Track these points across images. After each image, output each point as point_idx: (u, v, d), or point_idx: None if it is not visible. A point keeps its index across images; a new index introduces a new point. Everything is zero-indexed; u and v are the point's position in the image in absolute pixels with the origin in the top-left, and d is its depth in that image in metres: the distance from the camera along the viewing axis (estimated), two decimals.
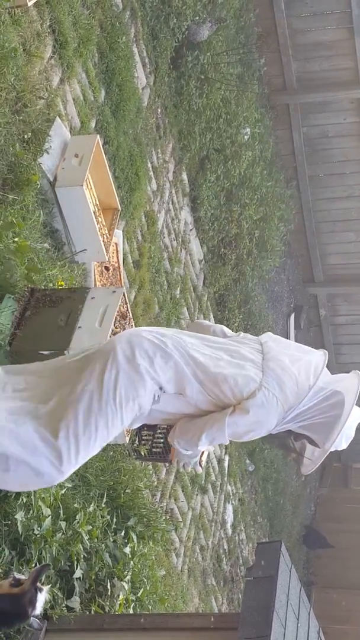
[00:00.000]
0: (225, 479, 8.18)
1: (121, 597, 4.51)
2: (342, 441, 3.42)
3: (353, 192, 10.50)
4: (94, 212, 4.99)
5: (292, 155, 10.26)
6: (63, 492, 4.39)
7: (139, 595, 4.77)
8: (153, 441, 5.66)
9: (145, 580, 4.89)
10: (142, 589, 4.83)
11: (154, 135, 6.77)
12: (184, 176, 7.51)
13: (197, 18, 7.11)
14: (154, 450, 5.65)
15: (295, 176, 10.36)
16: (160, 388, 3.23)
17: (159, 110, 6.89)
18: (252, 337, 3.52)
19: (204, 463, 3.72)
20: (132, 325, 4.72)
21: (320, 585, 11.14)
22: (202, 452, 3.76)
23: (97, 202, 5.14)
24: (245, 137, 8.56)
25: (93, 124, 5.59)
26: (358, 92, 9.76)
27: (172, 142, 7.20)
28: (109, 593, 4.46)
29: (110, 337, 4.34)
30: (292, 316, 10.92)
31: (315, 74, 9.78)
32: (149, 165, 6.66)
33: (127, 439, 4.62)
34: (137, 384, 3.18)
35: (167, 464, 6.53)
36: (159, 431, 5.64)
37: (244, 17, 8.77)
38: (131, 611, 4.62)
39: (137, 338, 3.26)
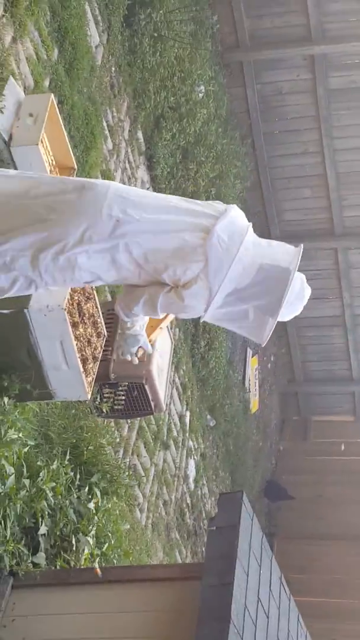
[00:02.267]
0: (187, 434, 8.29)
1: (86, 551, 4.58)
2: (289, 314, 3.45)
3: (307, 149, 10.52)
4: (50, 171, 4.98)
5: (247, 112, 10.26)
6: (26, 450, 4.43)
7: (103, 549, 4.84)
8: (114, 399, 5.74)
9: (110, 534, 4.96)
10: (107, 544, 4.90)
11: (109, 94, 6.74)
12: (140, 135, 7.50)
13: None
14: (115, 407, 5.72)
15: (250, 133, 10.36)
16: None
17: (113, 68, 6.86)
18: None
19: (149, 349, 3.70)
20: (89, 296, 4.74)
21: (281, 536, 11.36)
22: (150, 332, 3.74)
23: (53, 162, 5.13)
24: (200, 94, 8.54)
25: (47, 83, 5.56)
26: (311, 49, 9.76)
27: (127, 101, 7.18)
28: (74, 548, 4.53)
29: (68, 295, 4.37)
30: None
31: (267, 30, 9.76)
32: (104, 124, 6.64)
33: (89, 395, 4.66)
34: None
35: (129, 421, 6.62)
36: (120, 389, 5.71)
37: None
38: (96, 565, 4.70)
39: None
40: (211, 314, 3.36)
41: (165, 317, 3.73)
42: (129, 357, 3.71)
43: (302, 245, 3.43)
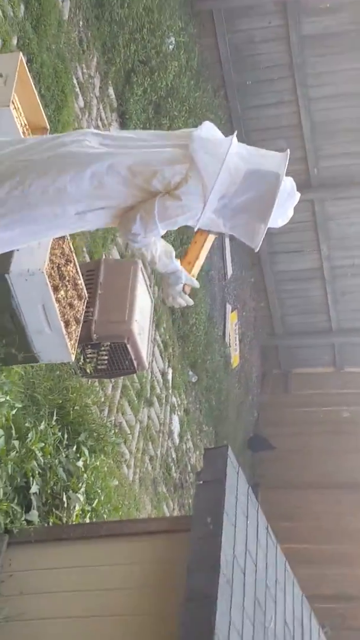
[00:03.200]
0: (170, 391, 8.36)
1: (77, 508, 4.69)
2: (279, 218, 3.51)
3: (282, 98, 10.35)
4: (22, 133, 4.93)
5: (219, 63, 10.10)
6: (14, 412, 4.49)
7: (93, 505, 4.94)
8: (97, 359, 5.77)
9: (99, 491, 5.06)
10: (97, 500, 5.00)
11: (78, 50, 6.66)
12: (111, 91, 7.43)
13: None
14: (98, 367, 5.76)
15: (223, 85, 10.22)
16: None
17: (81, 23, 6.76)
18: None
19: (193, 281, 3.60)
20: (70, 246, 4.74)
21: (265, 486, 11.51)
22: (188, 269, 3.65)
23: (26, 123, 5.07)
24: (170, 47, 8.44)
25: (15, 42, 5.48)
26: None
27: (97, 56, 7.09)
28: (65, 505, 4.63)
29: (48, 259, 4.37)
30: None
31: None
32: (75, 81, 6.57)
33: (73, 357, 4.69)
34: None
35: (112, 380, 6.66)
36: (102, 349, 5.74)
37: None
38: (87, 521, 4.79)
39: None
40: (207, 217, 3.41)
41: (206, 238, 3.69)
42: (182, 302, 3.65)
43: (288, 150, 3.49)
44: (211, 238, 3.76)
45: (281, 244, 11.65)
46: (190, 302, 3.68)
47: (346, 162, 10.84)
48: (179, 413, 8.54)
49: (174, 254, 3.59)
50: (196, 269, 3.69)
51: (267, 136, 10.67)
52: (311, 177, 10.86)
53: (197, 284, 3.66)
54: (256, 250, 3.56)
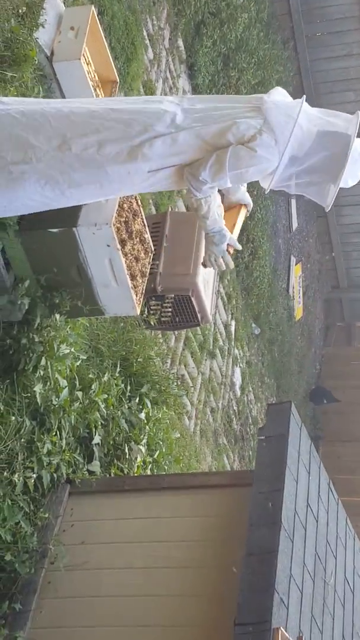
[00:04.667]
0: (232, 343, 8.40)
1: (139, 459, 4.76)
2: (349, 178, 3.52)
3: (351, 51, 10.28)
4: (92, 87, 4.96)
5: (289, 14, 10.02)
6: (78, 364, 4.56)
7: (155, 457, 5.02)
8: (162, 311, 5.82)
9: (161, 442, 5.13)
10: (158, 451, 5.08)
11: (148, 2, 6.62)
12: (180, 43, 7.38)
13: None
14: (162, 319, 5.81)
15: (292, 37, 10.14)
16: None
17: None
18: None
19: (235, 243, 3.63)
20: (137, 201, 4.78)
21: (327, 439, 11.55)
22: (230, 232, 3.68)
23: (96, 76, 5.10)
24: None
25: None
26: None
27: (167, 8, 7.05)
28: (127, 457, 4.71)
29: (116, 213, 4.42)
30: None
31: None
32: (145, 33, 6.56)
33: (138, 310, 4.75)
34: None
35: (175, 332, 6.72)
36: (166, 301, 5.79)
37: None
38: (149, 472, 4.88)
39: None
40: (279, 176, 3.44)
41: (239, 211, 3.76)
42: (222, 264, 3.66)
43: (359, 112, 3.47)
44: (244, 211, 3.84)
45: (347, 196, 11.45)
46: (232, 264, 3.70)
47: None
48: (241, 365, 8.59)
49: (223, 214, 3.61)
50: (235, 232, 3.72)
51: (335, 88, 10.55)
52: None
53: (239, 247, 3.69)
54: (327, 209, 3.58)
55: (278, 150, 3.39)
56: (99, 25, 5.05)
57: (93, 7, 4.98)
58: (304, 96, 3.50)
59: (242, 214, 3.83)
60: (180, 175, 3.51)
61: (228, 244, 3.62)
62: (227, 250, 3.64)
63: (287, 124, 3.38)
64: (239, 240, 3.77)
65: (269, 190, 3.58)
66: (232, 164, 3.40)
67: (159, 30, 6.88)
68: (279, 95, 3.53)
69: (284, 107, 3.43)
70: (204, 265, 3.74)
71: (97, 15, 5.09)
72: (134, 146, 3.42)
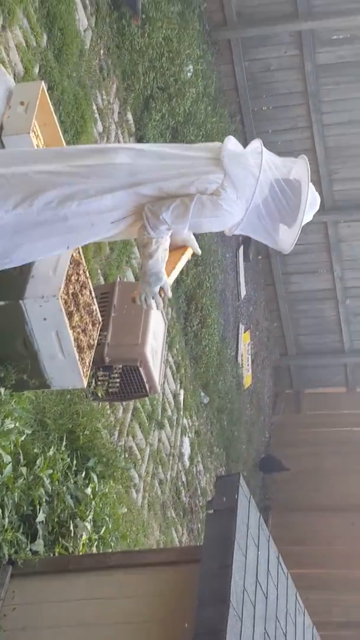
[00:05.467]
0: (181, 412, 8.37)
1: (84, 537, 4.64)
2: (306, 219, 3.66)
3: (296, 124, 10.52)
4: None
5: (235, 90, 10.25)
6: (23, 438, 4.48)
7: (101, 533, 4.90)
8: (109, 381, 5.79)
9: (107, 518, 5.03)
10: (104, 527, 4.96)
11: (98, 77, 6.73)
12: (129, 116, 7.50)
13: None
14: (110, 390, 5.77)
15: (239, 110, 10.36)
16: None
17: (102, 51, 6.84)
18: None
19: (169, 292, 3.73)
20: (85, 272, 4.78)
21: (277, 509, 11.49)
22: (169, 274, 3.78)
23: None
24: (188, 74, 8.52)
25: (37, 70, 5.56)
26: (298, 25, 9.72)
27: (116, 83, 7.17)
28: (72, 534, 4.58)
29: (63, 285, 4.41)
30: (241, 249, 11.04)
31: (254, 8, 9.72)
32: (94, 107, 6.64)
33: (85, 383, 4.72)
34: None
35: (123, 403, 6.68)
36: (114, 371, 5.76)
37: None
38: (94, 550, 4.77)
39: None
40: (244, 224, 3.58)
41: (183, 253, 3.86)
42: (152, 304, 3.73)
43: (304, 155, 3.68)
44: (188, 254, 3.91)
45: (295, 264, 11.73)
46: (161, 305, 3.77)
47: (358, 185, 11.00)
48: (190, 435, 8.55)
49: (167, 258, 3.69)
50: (172, 277, 3.80)
51: None
52: (324, 199, 10.93)
53: (170, 294, 3.76)
54: (286, 252, 3.73)
55: (241, 205, 3.52)
56: (49, 100, 5.11)
57: (43, 83, 5.05)
58: (263, 149, 3.60)
59: (185, 257, 3.89)
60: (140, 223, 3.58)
61: (161, 287, 3.68)
62: (158, 292, 3.70)
63: (246, 178, 3.50)
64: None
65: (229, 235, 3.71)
66: (195, 212, 3.50)
67: (108, 104, 6.98)
68: (232, 144, 3.62)
69: (243, 159, 3.54)
70: (133, 301, 3.79)
71: (47, 90, 5.16)
72: (95, 199, 3.50)
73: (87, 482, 4.98)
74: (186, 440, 8.41)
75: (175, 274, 3.85)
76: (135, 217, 3.59)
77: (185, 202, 3.49)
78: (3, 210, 3.51)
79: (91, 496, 4.89)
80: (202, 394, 9.32)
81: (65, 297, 4.48)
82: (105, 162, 3.57)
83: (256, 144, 3.63)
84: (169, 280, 3.74)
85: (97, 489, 5.03)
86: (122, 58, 7.18)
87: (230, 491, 4.12)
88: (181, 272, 8.47)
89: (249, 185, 3.49)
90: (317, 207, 3.70)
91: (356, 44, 9.89)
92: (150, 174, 3.53)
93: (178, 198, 3.51)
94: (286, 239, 3.66)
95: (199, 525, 8.08)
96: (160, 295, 3.71)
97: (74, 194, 3.51)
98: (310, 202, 3.62)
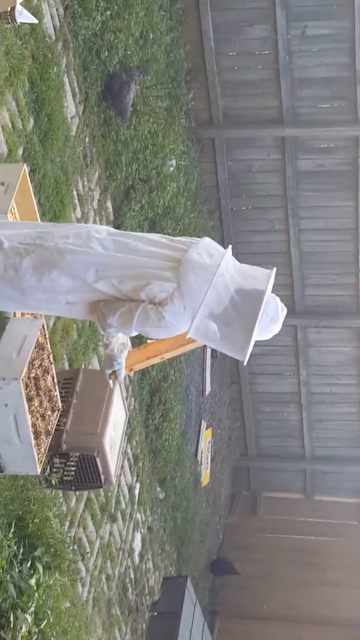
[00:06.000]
0: (135, 507, 8.20)
1: (24, 629, 4.46)
2: (264, 332, 3.64)
3: (273, 226, 10.66)
4: None
5: (216, 187, 10.40)
6: None
7: (42, 627, 4.71)
8: (65, 469, 5.67)
9: (49, 612, 4.84)
10: (46, 621, 4.77)
11: (81, 164, 6.80)
12: (109, 204, 7.56)
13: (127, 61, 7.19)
14: (65, 478, 5.65)
15: (218, 208, 10.50)
16: None
17: (87, 139, 6.93)
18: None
19: (120, 379, 4.00)
20: (50, 357, 4.73)
21: (225, 614, 11.19)
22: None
23: None
24: (171, 168, 8.65)
25: (20, 152, 5.60)
26: (281, 131, 9.96)
27: (99, 171, 7.24)
28: (12, 625, 4.42)
29: (26, 368, 4.35)
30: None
31: (241, 110, 9.97)
32: (75, 192, 6.69)
33: (39, 470, 4.62)
34: None
35: (77, 492, 6.53)
36: (71, 459, 5.65)
37: (174, 52, 8.89)
38: None
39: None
40: (192, 333, 3.60)
41: (156, 352, 4.05)
42: (110, 382, 4.03)
43: (274, 268, 3.70)
44: (193, 345, 4.02)
45: (261, 365, 11.70)
46: (109, 384, 4.06)
47: (331, 292, 11.10)
48: (142, 531, 8.36)
49: (128, 350, 3.89)
50: (139, 366, 4.15)
51: (256, 260, 10.82)
52: (296, 304, 11.03)
53: (121, 379, 4.02)
54: (244, 363, 3.68)
55: (187, 317, 3.54)
56: (29, 183, 5.14)
57: (25, 166, 5.07)
58: (230, 246, 3.66)
59: (157, 359, 4.06)
60: (94, 308, 3.66)
61: (114, 371, 3.91)
62: (112, 375, 3.94)
63: (199, 292, 3.50)
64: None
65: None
66: (139, 321, 3.57)
67: (89, 191, 7.04)
68: (205, 248, 3.63)
69: (201, 271, 3.53)
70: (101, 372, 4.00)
71: (29, 173, 5.18)
72: (53, 278, 3.59)
73: (32, 572, 4.81)
74: (138, 536, 8.21)
75: (142, 365, 4.12)
76: (89, 304, 3.70)
77: (131, 310, 3.57)
78: None
79: (35, 587, 4.72)
80: (158, 489, 9.16)
81: (27, 381, 4.42)
82: (69, 247, 3.65)
83: (227, 252, 3.65)
84: (135, 366, 4.07)
85: (41, 580, 4.86)
86: (106, 147, 7.27)
87: (176, 594, 4.01)
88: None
89: (199, 298, 3.50)
90: (280, 321, 3.67)
91: (337, 154, 10.16)
92: (108, 271, 3.59)
93: (127, 304, 3.58)
94: (243, 348, 3.60)
95: (144, 626, 7.80)
96: (110, 377, 3.96)
97: (35, 269, 3.62)
98: (272, 316, 3.60)
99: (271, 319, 3.60)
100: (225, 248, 3.70)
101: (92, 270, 3.58)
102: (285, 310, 3.68)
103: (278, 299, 3.66)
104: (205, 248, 3.65)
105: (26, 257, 3.60)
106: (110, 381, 4.00)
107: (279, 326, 3.69)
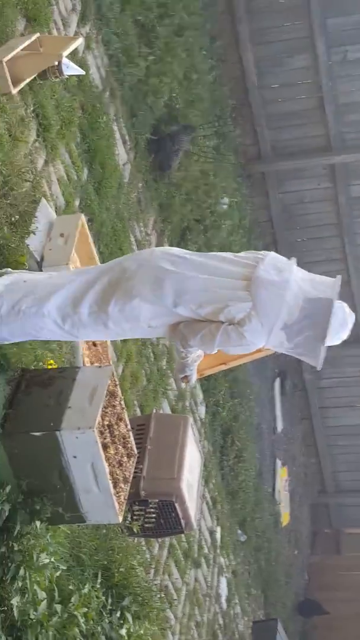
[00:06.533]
0: (218, 551, 8.08)
1: None
2: (334, 338, 3.74)
3: (330, 256, 10.58)
4: None
5: (270, 221, 10.39)
6: (58, 574, 4.31)
7: None
8: (145, 517, 5.61)
9: None
10: None
11: (136, 210, 6.84)
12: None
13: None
14: (146, 526, 5.60)
15: (273, 242, 10.46)
16: None
17: (140, 184, 6.98)
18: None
19: (192, 381, 4.15)
20: (121, 403, 4.70)
21: None
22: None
23: None
24: (224, 206, 8.67)
25: (77, 203, 5.65)
26: (330, 158, 9.93)
27: (154, 215, 7.28)
28: None
29: (99, 416, 4.33)
30: (277, 381, 10.92)
31: (288, 142, 9.97)
32: (132, 238, 6.72)
33: (120, 518, 4.56)
34: None
35: (159, 540, 6.46)
36: (150, 506, 5.59)
37: (218, 90, 8.95)
38: None
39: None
40: (270, 344, 3.77)
41: (227, 359, 4.21)
42: (180, 383, 4.27)
43: (339, 276, 3.87)
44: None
45: (331, 398, 11.53)
46: (181, 386, 4.50)
47: None
48: (226, 575, 8.22)
49: (201, 359, 4.04)
50: (207, 372, 4.37)
51: None
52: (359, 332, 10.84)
53: (193, 384, 4.50)
54: (319, 368, 3.79)
55: (265, 332, 3.68)
56: (88, 232, 5.18)
57: (83, 216, 5.12)
58: (295, 259, 3.80)
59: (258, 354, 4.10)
60: (175, 328, 3.84)
61: (187, 375, 4.07)
62: (184, 378, 4.11)
63: (273, 308, 3.65)
64: None
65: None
66: (221, 342, 3.72)
67: (146, 236, 7.07)
68: (271, 263, 3.74)
69: (273, 287, 3.67)
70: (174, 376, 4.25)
71: (87, 222, 5.23)
72: (134, 306, 3.76)
73: (121, 622, 4.75)
74: (223, 581, 8.08)
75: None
76: (170, 327, 3.87)
77: (212, 332, 3.71)
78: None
79: (126, 637, 4.66)
80: (239, 531, 9.03)
81: (101, 428, 4.39)
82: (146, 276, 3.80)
83: (293, 264, 3.79)
84: (207, 372, 4.36)
85: (132, 630, 4.78)
86: (159, 191, 7.32)
87: (268, 638, 3.88)
88: (217, 405, 8.42)
89: (275, 314, 3.64)
90: (349, 327, 3.78)
91: None
92: (185, 298, 3.72)
93: (207, 326, 3.72)
94: (317, 355, 3.76)
95: None
96: (182, 380, 4.15)
97: (116, 301, 3.82)
98: (341, 322, 3.71)
99: (340, 325, 3.71)
100: None
101: (170, 296, 3.73)
102: (354, 316, 3.79)
103: (345, 305, 3.76)
104: (271, 263, 3.76)
105: (109, 291, 3.79)
106: (182, 384, 4.20)
107: (348, 332, 3.79)
